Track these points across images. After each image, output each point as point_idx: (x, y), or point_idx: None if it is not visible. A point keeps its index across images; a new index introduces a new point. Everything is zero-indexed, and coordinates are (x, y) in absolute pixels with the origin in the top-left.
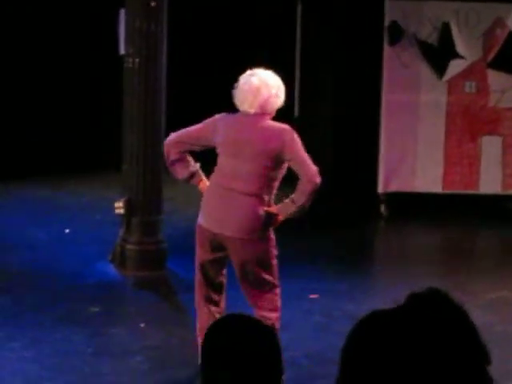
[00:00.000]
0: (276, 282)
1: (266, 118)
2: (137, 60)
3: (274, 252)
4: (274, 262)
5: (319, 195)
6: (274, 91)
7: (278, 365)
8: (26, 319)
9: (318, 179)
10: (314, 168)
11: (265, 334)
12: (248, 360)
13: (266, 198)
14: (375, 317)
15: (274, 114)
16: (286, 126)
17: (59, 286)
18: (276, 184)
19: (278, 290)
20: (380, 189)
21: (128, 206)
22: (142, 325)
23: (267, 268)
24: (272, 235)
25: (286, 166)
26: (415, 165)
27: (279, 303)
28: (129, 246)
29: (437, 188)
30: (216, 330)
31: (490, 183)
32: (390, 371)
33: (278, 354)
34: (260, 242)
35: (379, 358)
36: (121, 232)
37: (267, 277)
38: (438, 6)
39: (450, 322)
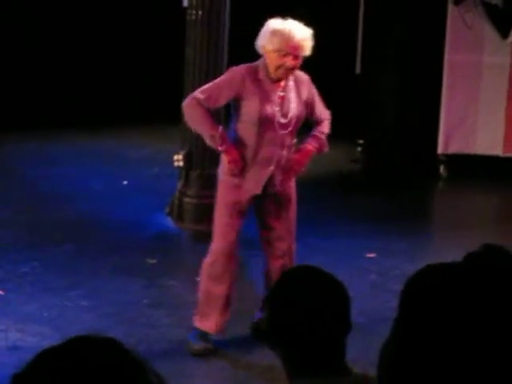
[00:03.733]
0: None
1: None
2: (200, 12)
3: (220, 204)
4: (217, 213)
5: (379, 154)
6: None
7: (345, 318)
8: (83, 269)
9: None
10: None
11: (334, 287)
12: (316, 309)
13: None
14: (432, 269)
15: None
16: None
17: (117, 236)
18: (233, 123)
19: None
20: (440, 149)
21: (188, 159)
22: (198, 278)
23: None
24: (223, 179)
25: (240, 108)
26: (476, 127)
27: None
28: (187, 199)
29: (497, 151)
30: (287, 279)
31: None
32: (447, 322)
33: (346, 309)
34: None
35: (436, 307)
36: (179, 185)
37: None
38: None
39: (507, 273)
